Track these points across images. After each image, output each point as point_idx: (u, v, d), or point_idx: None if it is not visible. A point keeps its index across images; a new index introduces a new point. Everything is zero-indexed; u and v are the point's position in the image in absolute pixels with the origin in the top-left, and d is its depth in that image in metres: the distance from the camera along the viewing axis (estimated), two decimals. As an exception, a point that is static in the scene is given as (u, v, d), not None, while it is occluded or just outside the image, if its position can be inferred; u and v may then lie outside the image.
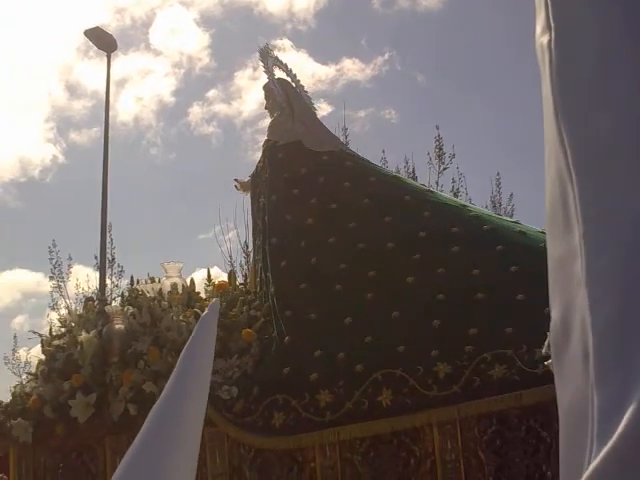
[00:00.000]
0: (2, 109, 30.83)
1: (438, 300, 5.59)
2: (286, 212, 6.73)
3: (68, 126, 35.39)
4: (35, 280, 25.01)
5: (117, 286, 17.71)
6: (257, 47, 7.45)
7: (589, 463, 1.01)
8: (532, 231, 6.14)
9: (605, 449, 0.98)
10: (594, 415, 1.03)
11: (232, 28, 31.59)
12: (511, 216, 17.56)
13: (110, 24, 20.96)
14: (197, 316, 6.07)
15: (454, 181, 17.86)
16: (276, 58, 7.72)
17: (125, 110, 30.02)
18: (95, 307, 6.56)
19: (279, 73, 7.77)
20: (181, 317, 6.07)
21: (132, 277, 6.80)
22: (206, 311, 2.27)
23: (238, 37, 31.90)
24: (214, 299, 2.33)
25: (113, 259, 19.25)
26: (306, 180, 6.84)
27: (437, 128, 17.97)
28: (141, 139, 28.79)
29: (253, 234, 7.09)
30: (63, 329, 6.66)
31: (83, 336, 6.20)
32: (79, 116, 34.61)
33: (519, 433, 5.02)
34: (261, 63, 7.47)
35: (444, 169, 17.88)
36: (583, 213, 1.14)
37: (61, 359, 6.34)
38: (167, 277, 6.85)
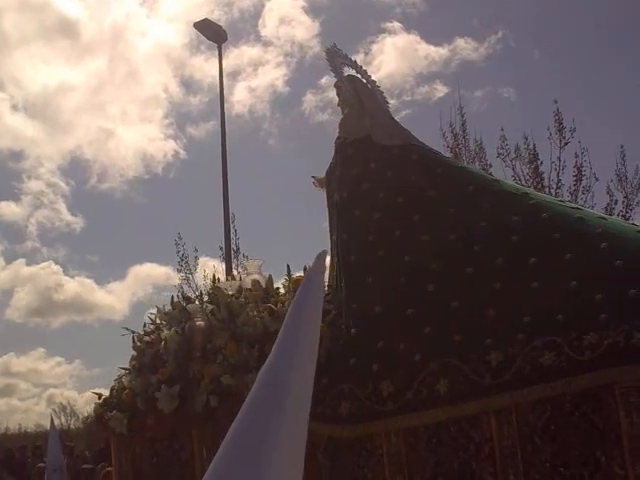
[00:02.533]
0: (122, 108, 31.96)
1: (495, 289, 5.75)
2: (355, 207, 6.97)
3: (186, 121, 36.44)
4: (165, 274, 26.03)
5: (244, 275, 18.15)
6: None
7: None
8: (591, 217, 6.21)
9: None
10: None
11: (341, 14, 31.91)
12: (638, 189, 17.25)
13: (219, 18, 21.52)
14: (271, 311, 6.41)
15: (577, 156, 17.56)
16: (345, 56, 7.93)
17: (240, 102, 30.75)
18: (181, 305, 6.95)
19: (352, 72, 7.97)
20: (255, 313, 6.40)
21: (214, 275, 7.15)
22: (313, 262, 2.02)
23: (347, 23, 32.19)
24: (321, 250, 2.02)
25: (238, 249, 19.77)
26: (374, 175, 7.05)
27: (555, 102, 17.73)
28: (258, 130, 29.45)
29: (330, 230, 7.35)
30: (152, 326, 7.10)
31: (166, 332, 6.63)
32: (196, 110, 35.62)
33: (572, 419, 5.15)
34: (328, 62, 7.68)
35: (565, 144, 17.64)
36: None
37: (149, 354, 6.78)
38: (247, 274, 7.21)
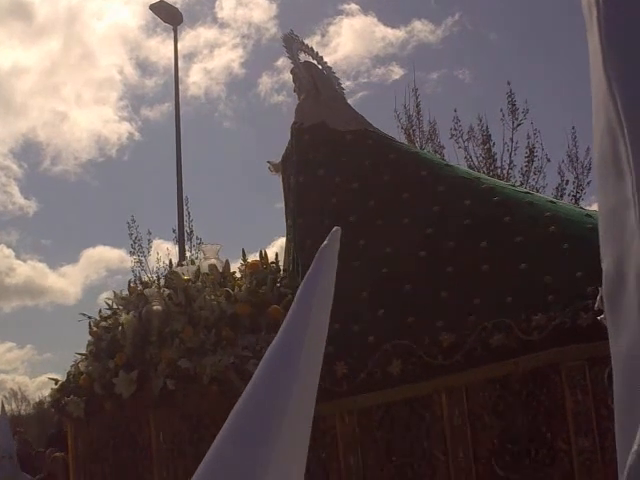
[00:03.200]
0: (77, 91, 31.75)
1: (447, 272, 5.87)
2: (312, 192, 7.05)
3: (141, 103, 36.25)
4: (118, 256, 25.90)
5: (197, 258, 18.13)
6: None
7: None
8: (541, 201, 6.35)
9: None
10: None
11: (298, -4, 31.89)
12: (589, 170, 17.45)
13: (176, 1, 21.44)
14: (228, 295, 6.48)
15: (529, 137, 17.73)
16: (301, 42, 8.00)
17: (195, 84, 30.67)
18: (138, 290, 7.00)
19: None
20: (212, 297, 6.47)
21: (170, 261, 7.21)
22: (326, 241, 2.00)
23: (305, 5, 32.18)
24: (335, 228, 2.00)
25: (191, 231, 19.71)
26: (330, 160, 7.14)
27: (508, 84, 17.86)
28: (213, 112, 29.39)
29: (285, 214, 7.42)
30: (109, 311, 7.14)
31: (123, 317, 6.67)
32: (151, 92, 35.48)
33: (520, 397, 5.29)
34: (285, 49, 7.74)
35: (518, 125, 17.78)
36: (636, 162, 1.15)
37: (107, 339, 6.83)
38: (205, 258, 7.27)
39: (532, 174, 17.72)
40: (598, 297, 2.96)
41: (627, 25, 1.21)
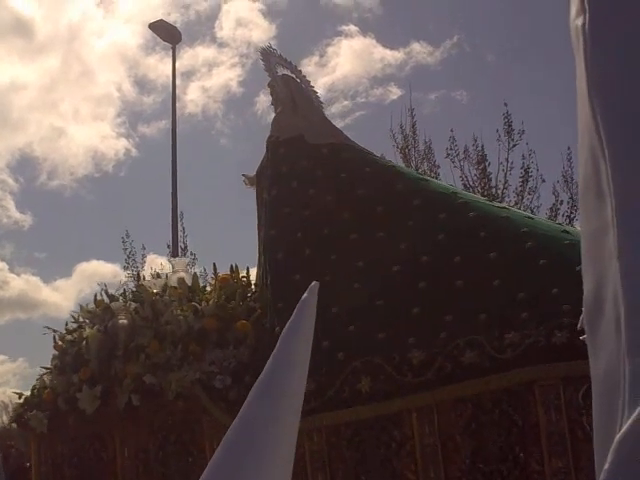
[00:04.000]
0: (75, 107, 31.75)
1: (420, 288, 5.72)
2: (285, 205, 6.91)
3: (138, 119, 36.26)
4: (112, 271, 25.71)
5: (190, 273, 18.04)
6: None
7: (621, 426, 1.07)
8: (518, 216, 6.23)
9: (636, 412, 1.03)
10: (625, 381, 1.09)
11: (298, 17, 31.86)
12: None
13: (176, 20, 21.41)
14: (195, 310, 6.32)
15: (524, 157, 17.80)
16: (280, 56, 7.89)
17: (193, 102, 30.56)
18: (104, 303, 6.83)
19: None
20: (179, 311, 6.31)
21: (138, 273, 7.05)
22: (306, 294, 2.15)
23: (304, 26, 32.21)
24: (313, 283, 2.15)
25: (185, 247, 19.76)
26: (305, 173, 7.01)
27: (505, 105, 17.91)
28: (210, 129, 29.36)
29: (257, 227, 7.28)
30: (75, 325, 6.97)
31: (88, 331, 6.51)
32: (149, 109, 35.42)
33: (493, 416, 5.14)
34: (262, 62, 7.64)
35: (514, 146, 17.83)
36: (615, 186, 1.15)
37: (71, 353, 6.66)
38: (174, 272, 7.12)
39: (527, 194, 17.80)
40: (581, 317, 2.83)
41: (612, 52, 1.23)
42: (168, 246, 18.81)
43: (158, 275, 7.03)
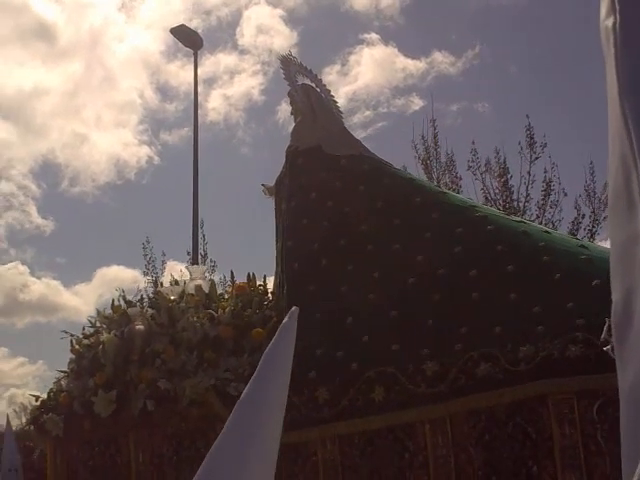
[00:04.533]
0: (97, 113, 31.92)
1: (434, 300, 5.74)
2: (303, 216, 6.96)
3: (160, 127, 36.41)
4: (132, 276, 25.83)
5: (209, 280, 18.03)
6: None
7: None
8: (535, 231, 6.24)
9: None
10: None
11: (319, 25, 31.89)
12: (605, 205, 17.42)
13: (197, 26, 21.49)
14: (211, 317, 6.36)
15: (546, 171, 17.74)
16: (300, 65, 7.93)
17: (214, 110, 30.67)
18: (121, 309, 6.89)
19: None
20: (196, 318, 6.36)
21: (156, 280, 7.11)
22: (286, 318, 2.36)
23: (325, 34, 32.22)
24: (293, 308, 2.40)
25: (205, 254, 19.85)
26: (323, 184, 7.04)
27: (527, 117, 17.88)
28: (232, 138, 29.45)
29: (275, 237, 7.32)
30: (92, 329, 7.02)
31: (105, 336, 6.56)
32: (171, 117, 35.56)
33: (506, 429, 5.14)
34: (282, 70, 7.68)
35: (536, 159, 17.76)
36: None
37: (88, 358, 6.71)
38: (191, 279, 7.16)
39: (549, 207, 17.73)
40: (605, 327, 2.86)
41: None
42: (188, 253, 18.93)
43: (176, 282, 7.07)
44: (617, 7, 1.25)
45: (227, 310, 6.43)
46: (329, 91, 8.04)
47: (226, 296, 6.95)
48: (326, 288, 6.33)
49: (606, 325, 2.82)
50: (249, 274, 6.93)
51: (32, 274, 28.99)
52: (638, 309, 1.16)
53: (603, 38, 1.29)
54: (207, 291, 6.85)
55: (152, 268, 20.20)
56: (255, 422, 2.11)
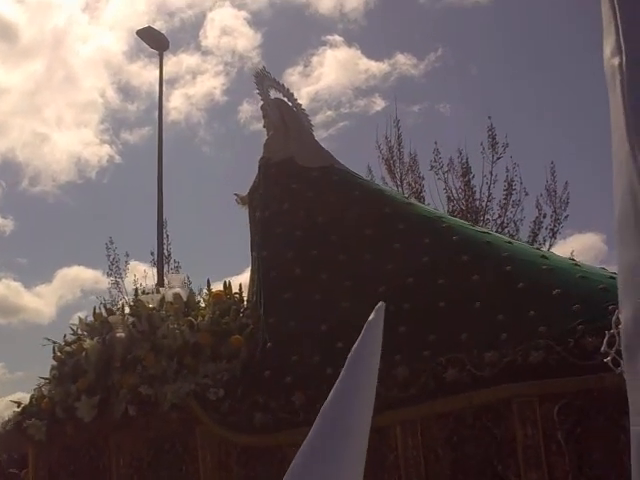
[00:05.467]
0: (58, 112, 31.84)
1: (405, 308, 6.03)
2: (277, 226, 7.23)
3: (121, 126, 36.33)
4: (94, 277, 25.79)
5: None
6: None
7: None
8: (499, 241, 6.56)
9: None
10: None
11: (283, 27, 32.09)
12: (566, 204, 17.79)
13: (161, 27, 21.63)
14: (191, 324, 6.61)
15: (508, 170, 18.02)
16: (273, 79, 8.21)
17: (176, 109, 30.76)
18: (102, 316, 7.11)
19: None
20: (175, 326, 6.60)
21: (136, 289, 7.33)
22: (372, 315, 2.23)
23: (289, 36, 32.43)
24: (380, 303, 2.20)
25: (169, 255, 19.88)
26: (296, 195, 7.32)
27: (489, 118, 18.14)
28: (193, 137, 29.58)
29: (250, 246, 7.57)
30: (73, 336, 7.24)
31: (87, 343, 6.79)
32: (133, 117, 35.58)
33: (473, 431, 5.45)
34: (256, 85, 7.94)
35: (498, 159, 18.05)
36: None
37: (70, 364, 6.93)
38: (170, 287, 7.40)
39: (510, 207, 18.04)
40: (605, 340, 3.07)
41: None
42: (152, 253, 19.00)
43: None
44: (623, 47, 1.33)
45: (206, 317, 6.67)
46: (300, 105, 8.32)
47: (202, 304, 7.19)
48: (301, 296, 6.61)
49: (606, 338, 3.06)
50: (225, 282, 7.20)
51: (-9, 275, 28.85)
52: None
53: (608, 75, 1.37)
54: (185, 299, 7.09)
55: (115, 269, 20.27)
56: (345, 423, 2.01)
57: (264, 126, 8.12)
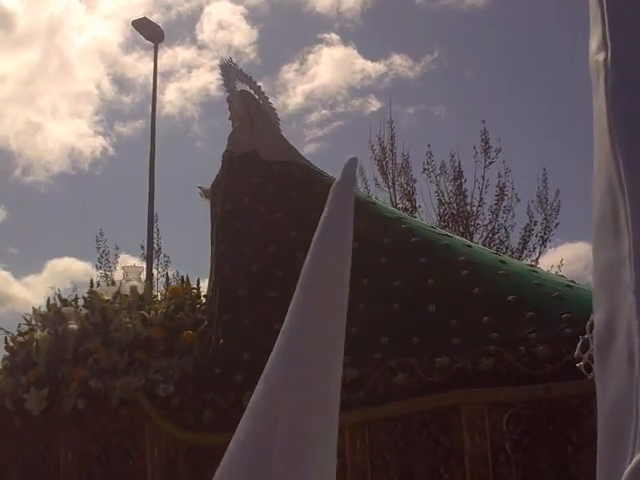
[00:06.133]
0: (53, 102, 31.66)
1: (359, 309, 5.93)
2: (236, 220, 7.12)
3: (115, 118, 36.16)
4: (83, 269, 25.71)
5: (163, 276, 17.86)
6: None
7: (632, 458, 1.09)
8: (457, 244, 6.47)
9: None
10: (638, 412, 1.12)
11: (280, 24, 31.95)
12: (557, 212, 17.76)
13: (157, 20, 21.48)
14: (143, 319, 6.51)
15: (500, 176, 18.03)
16: (240, 71, 8.09)
17: (170, 103, 30.56)
18: (56, 307, 7.00)
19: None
20: (128, 319, 6.50)
21: (92, 280, 7.23)
22: (339, 177, 1.92)
23: (285, 32, 32.30)
24: (351, 156, 1.77)
25: (159, 249, 19.80)
26: (256, 189, 7.21)
27: (483, 122, 18.11)
28: (187, 132, 29.42)
29: (211, 241, 7.47)
30: (27, 327, 7.13)
31: (38, 334, 6.69)
32: (127, 109, 35.40)
33: (420, 437, 5.38)
34: (221, 76, 7.82)
35: (490, 163, 18.07)
36: (633, 221, 1.20)
37: (21, 355, 6.82)
38: (127, 280, 7.29)
39: (501, 212, 18.04)
40: (578, 345, 3.02)
41: (634, 88, 1.28)
42: (142, 247, 18.90)
43: (113, 283, 7.20)
44: (609, 43, 1.30)
45: (159, 312, 6.58)
46: (267, 98, 8.19)
47: (159, 298, 7.10)
48: (255, 293, 6.51)
49: (579, 343, 3.00)
50: (182, 277, 7.10)
51: (-19, 264, 28.67)
52: (622, 330, 1.19)
53: (593, 71, 1.34)
54: (141, 292, 6.99)
55: (105, 262, 20.17)
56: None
57: (229, 118, 8.00)
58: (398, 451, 5.43)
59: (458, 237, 7.32)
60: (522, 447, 5.06)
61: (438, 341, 5.45)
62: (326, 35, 29.03)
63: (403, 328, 5.65)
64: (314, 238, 1.93)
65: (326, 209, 2.01)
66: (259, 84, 8.20)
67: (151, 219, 17.53)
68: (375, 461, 5.48)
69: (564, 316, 5.16)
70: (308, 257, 1.94)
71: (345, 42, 26.46)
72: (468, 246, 6.57)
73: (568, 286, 5.71)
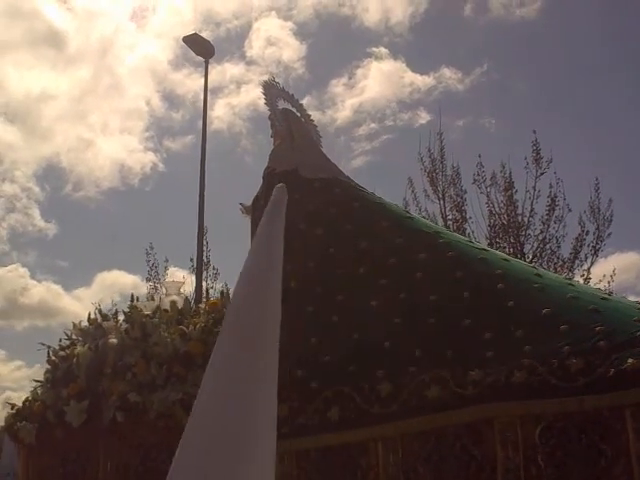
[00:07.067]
0: (103, 119, 32.25)
1: (394, 324, 5.95)
2: (277, 237, 7.16)
3: (164, 134, 36.72)
4: (132, 282, 26.04)
5: (212, 288, 18.21)
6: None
7: None
8: (494, 258, 6.44)
9: None
10: None
11: (328, 39, 32.28)
12: (610, 222, 17.61)
13: (207, 37, 21.87)
14: (182, 333, 6.58)
15: (551, 186, 17.95)
16: (282, 89, 8.17)
17: (219, 118, 31.01)
18: (97, 322, 7.12)
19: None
20: (166, 334, 6.58)
21: (132, 295, 7.33)
22: (274, 192, 2.05)
23: (334, 47, 32.61)
24: (279, 185, 2.01)
25: (208, 262, 20.00)
26: (297, 206, 7.22)
27: (534, 132, 18.08)
28: (235, 147, 29.75)
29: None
30: (68, 341, 7.26)
31: (79, 349, 6.80)
32: (177, 125, 35.97)
33: (453, 450, 5.35)
34: (263, 95, 7.91)
35: (541, 174, 18.04)
36: None
37: (62, 369, 6.94)
38: (167, 295, 7.39)
39: (553, 223, 17.94)
40: None
41: None
42: (191, 260, 19.14)
43: (152, 298, 7.30)
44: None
45: (198, 326, 6.64)
46: (309, 116, 8.27)
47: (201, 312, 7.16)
48: (293, 309, 6.54)
49: None
50: (222, 291, 7.16)
51: (33, 277, 29.30)
52: None
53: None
54: (180, 307, 7.07)
55: (154, 274, 20.47)
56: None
57: (271, 136, 8.08)
58: (431, 464, 5.40)
59: (496, 251, 7.29)
60: (554, 460, 5.00)
61: (472, 354, 5.42)
62: (375, 49, 29.29)
63: (437, 342, 5.64)
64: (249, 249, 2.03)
65: (260, 225, 2.05)
66: (301, 102, 8.29)
67: (201, 232, 17.73)
68: (408, 474, 5.45)
69: (598, 329, 5.11)
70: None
71: (394, 56, 26.72)
72: (505, 260, 6.53)
73: (604, 299, 5.66)
